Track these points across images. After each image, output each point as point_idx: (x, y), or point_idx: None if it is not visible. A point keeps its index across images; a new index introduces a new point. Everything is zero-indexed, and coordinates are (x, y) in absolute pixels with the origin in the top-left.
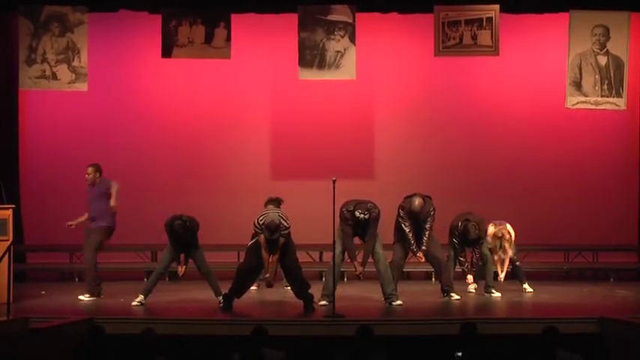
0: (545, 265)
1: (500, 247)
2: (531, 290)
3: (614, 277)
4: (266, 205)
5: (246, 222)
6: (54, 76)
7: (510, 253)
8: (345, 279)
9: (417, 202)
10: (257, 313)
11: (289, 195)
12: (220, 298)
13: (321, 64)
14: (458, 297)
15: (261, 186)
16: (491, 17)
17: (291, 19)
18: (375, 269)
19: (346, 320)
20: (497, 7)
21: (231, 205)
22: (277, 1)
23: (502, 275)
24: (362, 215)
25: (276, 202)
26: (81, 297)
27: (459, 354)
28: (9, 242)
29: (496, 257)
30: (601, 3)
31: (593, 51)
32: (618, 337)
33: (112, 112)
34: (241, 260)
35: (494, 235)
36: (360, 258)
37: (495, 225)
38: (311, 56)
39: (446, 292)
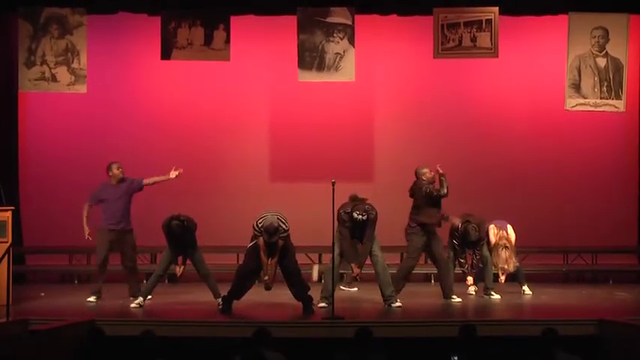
0: (544, 267)
1: (503, 248)
2: (530, 293)
3: (614, 279)
4: (350, 201)
5: (246, 224)
6: (53, 78)
7: (517, 263)
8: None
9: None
10: (256, 314)
11: (289, 197)
12: (219, 300)
13: (321, 66)
14: (458, 299)
15: (261, 188)
16: (491, 19)
17: (290, 21)
18: (374, 271)
19: (345, 322)
20: (496, 9)
21: (231, 207)
22: (277, 3)
23: (502, 277)
24: (360, 216)
25: (358, 199)
26: (135, 304)
27: (455, 358)
28: (8, 244)
29: (496, 260)
30: (600, 5)
31: (593, 53)
32: (617, 339)
33: (111, 114)
34: (241, 262)
35: (497, 245)
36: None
37: (496, 228)
38: (310, 58)
39: (446, 294)
